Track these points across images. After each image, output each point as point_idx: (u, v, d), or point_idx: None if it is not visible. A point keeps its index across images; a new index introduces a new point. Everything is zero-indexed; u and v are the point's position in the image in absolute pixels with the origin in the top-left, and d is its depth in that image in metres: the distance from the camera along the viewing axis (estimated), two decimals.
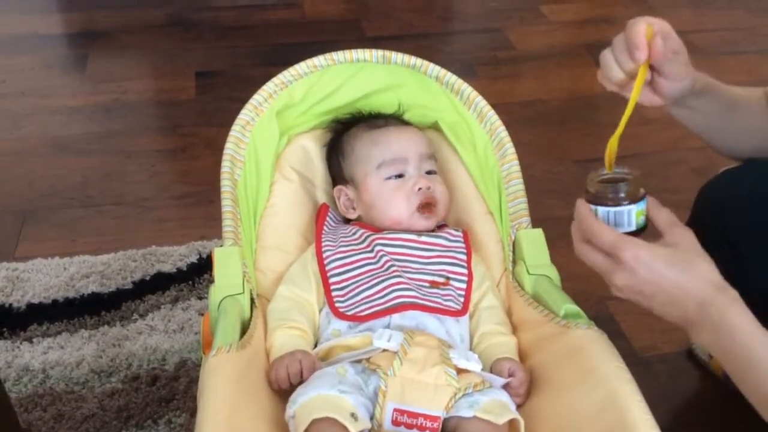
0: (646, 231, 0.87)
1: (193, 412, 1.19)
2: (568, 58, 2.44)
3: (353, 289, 1.04)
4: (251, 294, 1.03)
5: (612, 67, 0.88)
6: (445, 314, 1.02)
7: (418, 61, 1.20)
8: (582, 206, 0.87)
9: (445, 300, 1.04)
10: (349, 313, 1.01)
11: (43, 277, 1.54)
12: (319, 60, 1.19)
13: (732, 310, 0.79)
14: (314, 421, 0.83)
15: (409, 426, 0.89)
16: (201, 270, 1.57)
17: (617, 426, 0.82)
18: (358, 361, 0.94)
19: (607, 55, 0.89)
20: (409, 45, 2.31)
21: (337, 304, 1.03)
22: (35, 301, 1.49)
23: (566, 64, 2.40)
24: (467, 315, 1.05)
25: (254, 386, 0.92)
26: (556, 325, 0.98)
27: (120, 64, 2.35)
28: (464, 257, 1.10)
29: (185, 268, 1.57)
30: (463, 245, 1.11)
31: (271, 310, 1.05)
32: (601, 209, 0.87)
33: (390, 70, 1.21)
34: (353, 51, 1.20)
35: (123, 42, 2.47)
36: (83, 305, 1.49)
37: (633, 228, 0.87)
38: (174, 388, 1.32)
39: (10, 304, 1.48)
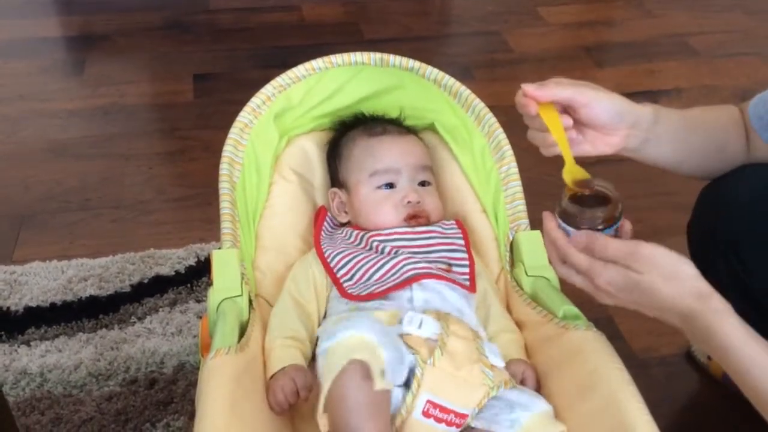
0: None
1: (191, 416, 1.19)
2: (565, 61, 2.43)
3: (363, 274, 1.03)
4: (249, 296, 1.03)
5: (536, 136, 0.93)
6: (459, 286, 1.02)
7: (416, 64, 1.20)
8: (553, 230, 0.87)
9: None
10: (364, 293, 1.00)
11: (40, 281, 1.54)
12: (317, 63, 1.19)
13: (717, 319, 0.78)
14: (352, 361, 0.81)
15: (438, 420, 0.88)
16: (199, 273, 1.56)
17: (617, 428, 0.82)
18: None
19: (529, 133, 0.94)
20: (406, 48, 2.29)
21: (350, 291, 1.02)
22: (33, 304, 1.49)
23: (564, 67, 2.40)
24: (475, 295, 1.05)
25: (253, 388, 0.92)
26: (555, 326, 0.98)
27: (118, 68, 2.34)
28: (462, 242, 1.10)
29: (183, 271, 1.57)
30: (458, 231, 1.11)
31: (274, 314, 1.04)
32: (572, 230, 0.85)
33: (388, 73, 1.21)
34: (351, 54, 1.20)
35: (121, 45, 2.47)
36: (81, 308, 1.49)
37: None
38: (172, 392, 1.31)
39: (8, 308, 1.48)
